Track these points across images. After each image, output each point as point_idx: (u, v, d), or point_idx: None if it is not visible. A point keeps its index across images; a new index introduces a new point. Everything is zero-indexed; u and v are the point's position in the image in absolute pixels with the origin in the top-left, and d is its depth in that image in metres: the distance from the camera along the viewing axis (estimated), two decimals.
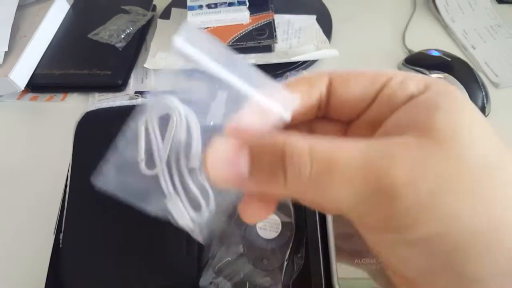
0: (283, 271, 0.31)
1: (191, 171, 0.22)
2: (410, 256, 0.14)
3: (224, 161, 0.15)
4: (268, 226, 0.32)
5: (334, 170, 0.14)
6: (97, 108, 0.35)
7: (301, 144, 0.14)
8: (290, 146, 0.14)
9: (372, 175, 0.13)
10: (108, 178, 0.19)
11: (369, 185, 0.14)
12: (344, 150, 0.14)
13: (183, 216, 0.20)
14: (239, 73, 0.17)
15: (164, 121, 0.25)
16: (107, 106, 0.35)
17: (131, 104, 0.35)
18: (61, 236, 0.34)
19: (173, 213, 0.20)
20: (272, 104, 0.16)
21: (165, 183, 0.21)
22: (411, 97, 0.16)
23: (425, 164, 0.13)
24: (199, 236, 0.22)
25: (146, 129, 0.21)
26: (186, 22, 0.21)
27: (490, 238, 0.13)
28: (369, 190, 0.14)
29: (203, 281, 0.31)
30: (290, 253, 0.32)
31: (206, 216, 0.20)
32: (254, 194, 0.17)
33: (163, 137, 0.23)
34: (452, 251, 0.14)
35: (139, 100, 0.35)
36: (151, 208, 0.20)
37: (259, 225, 0.32)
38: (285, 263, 0.31)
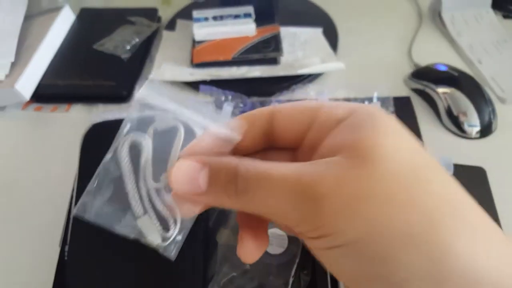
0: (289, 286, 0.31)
1: (159, 191, 0.24)
2: (343, 261, 0.16)
3: (186, 177, 0.17)
4: (275, 241, 0.32)
5: (272, 183, 0.16)
6: (103, 120, 0.35)
7: (250, 164, 0.17)
8: (241, 166, 0.17)
9: (302, 187, 0.16)
10: (87, 208, 0.22)
11: (299, 195, 0.16)
12: (281, 169, 0.17)
13: (153, 233, 0.22)
14: (195, 110, 0.19)
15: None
16: (114, 119, 0.35)
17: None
18: (66, 248, 0.34)
19: (143, 231, 0.22)
20: (223, 129, 0.19)
21: (135, 204, 0.23)
22: (339, 122, 0.18)
23: (347, 177, 0.15)
24: (169, 253, 0.23)
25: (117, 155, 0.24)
26: (149, 80, 0.23)
27: (407, 242, 0.15)
28: (299, 199, 0.16)
29: None
30: (296, 269, 0.31)
31: (175, 233, 0.23)
32: (245, 235, 0.20)
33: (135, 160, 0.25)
34: (375, 255, 0.15)
35: (146, 112, 0.35)
36: (124, 230, 0.22)
37: None
38: (291, 279, 0.31)
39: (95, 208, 0.22)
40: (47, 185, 0.44)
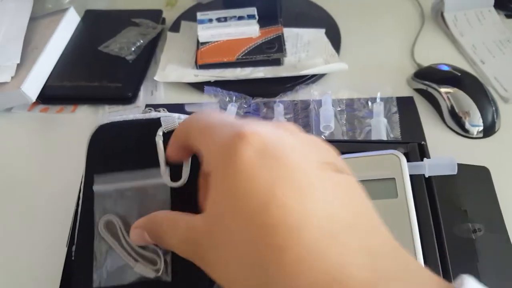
0: None
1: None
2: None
3: (138, 238, 0.26)
4: None
5: (170, 238, 0.22)
6: (110, 121, 0.36)
7: (163, 223, 0.24)
8: (162, 225, 0.24)
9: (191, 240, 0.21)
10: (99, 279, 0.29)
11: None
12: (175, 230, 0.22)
13: (149, 272, 0.28)
14: None
15: None
16: (121, 120, 0.35)
17: (144, 118, 0.35)
18: (73, 248, 0.34)
19: (142, 273, 0.28)
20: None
21: (127, 259, 0.29)
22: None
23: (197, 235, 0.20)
24: (166, 278, 0.28)
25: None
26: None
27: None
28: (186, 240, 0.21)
29: None
30: None
31: (162, 266, 0.28)
32: None
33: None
34: None
35: (152, 114, 0.35)
36: (130, 279, 0.28)
37: None
38: None
39: (104, 276, 0.29)
40: (54, 185, 0.45)
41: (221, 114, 0.23)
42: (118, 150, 0.35)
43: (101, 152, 0.35)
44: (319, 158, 0.19)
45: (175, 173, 0.33)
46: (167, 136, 0.34)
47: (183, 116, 0.35)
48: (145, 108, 0.43)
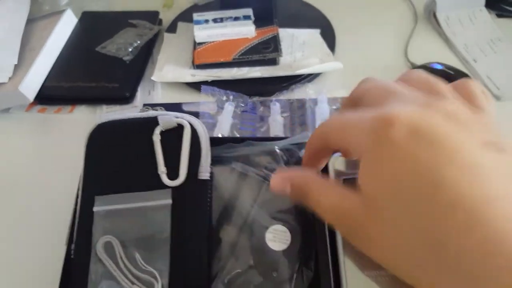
0: (292, 283, 0.31)
1: (132, 260, 0.31)
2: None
3: (279, 182, 0.26)
4: (278, 237, 0.32)
5: (323, 193, 0.23)
6: (108, 120, 0.36)
7: (314, 182, 0.25)
8: (308, 183, 0.25)
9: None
10: None
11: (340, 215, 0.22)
12: (333, 187, 0.23)
13: None
14: None
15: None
16: (119, 119, 0.36)
17: (142, 117, 0.35)
18: (72, 246, 0.34)
19: None
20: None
21: (124, 282, 0.30)
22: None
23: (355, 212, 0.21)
24: None
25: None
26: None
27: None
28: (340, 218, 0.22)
29: None
30: (299, 265, 0.32)
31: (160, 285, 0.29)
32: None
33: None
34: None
35: (150, 113, 0.36)
36: None
37: (268, 237, 0.32)
38: (295, 275, 0.31)
39: None
40: (52, 185, 0.45)
41: (351, 112, 0.23)
42: (116, 149, 0.35)
43: (99, 150, 0.36)
44: (481, 137, 0.19)
45: (173, 173, 0.33)
46: (164, 134, 0.34)
47: (180, 115, 0.36)
48: (143, 107, 0.43)
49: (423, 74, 0.24)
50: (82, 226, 0.34)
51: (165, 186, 0.32)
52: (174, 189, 0.32)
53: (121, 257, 0.31)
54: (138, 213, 0.32)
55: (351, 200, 0.21)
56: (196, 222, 0.32)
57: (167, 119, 0.34)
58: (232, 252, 0.33)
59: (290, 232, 0.32)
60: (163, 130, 0.34)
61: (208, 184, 0.33)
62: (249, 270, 0.32)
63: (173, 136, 0.34)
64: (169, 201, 0.32)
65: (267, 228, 0.32)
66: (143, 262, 0.31)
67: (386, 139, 0.19)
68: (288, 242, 0.32)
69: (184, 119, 0.34)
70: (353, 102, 0.25)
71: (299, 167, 0.28)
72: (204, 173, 0.33)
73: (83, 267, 0.32)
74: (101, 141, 0.36)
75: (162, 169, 0.33)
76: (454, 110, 0.19)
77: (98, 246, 0.32)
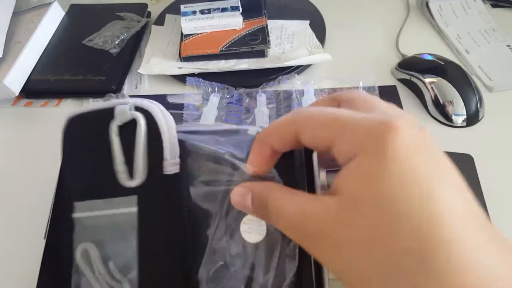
0: (273, 276, 0.30)
1: (107, 268, 0.30)
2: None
3: (239, 194, 0.25)
4: (253, 228, 0.29)
5: (279, 211, 0.22)
6: (77, 113, 0.34)
7: (274, 197, 0.23)
8: (270, 197, 0.23)
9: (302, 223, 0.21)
10: None
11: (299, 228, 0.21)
12: (289, 207, 0.22)
13: None
14: None
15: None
16: (85, 111, 0.33)
17: (109, 106, 0.33)
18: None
19: None
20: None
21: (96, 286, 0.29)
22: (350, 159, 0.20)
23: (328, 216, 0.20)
24: None
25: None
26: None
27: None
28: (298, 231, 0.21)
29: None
30: (280, 256, 0.30)
31: None
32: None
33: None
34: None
35: (112, 102, 0.33)
36: None
37: (243, 228, 0.29)
38: (275, 265, 0.29)
39: None
40: (38, 179, 0.44)
41: (339, 109, 0.22)
42: (85, 145, 0.33)
43: (71, 146, 0.34)
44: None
45: (132, 171, 0.30)
46: (123, 128, 0.31)
47: (139, 102, 0.32)
48: (106, 95, 0.40)
49: (366, 94, 0.24)
50: (62, 231, 0.33)
51: (130, 189, 0.30)
52: (140, 191, 0.29)
53: (97, 265, 0.30)
54: (111, 221, 0.30)
55: (319, 203, 0.20)
56: (165, 224, 0.29)
57: (122, 111, 0.31)
58: (215, 246, 0.31)
59: (266, 223, 0.29)
60: (121, 124, 0.31)
61: (178, 178, 0.29)
62: (233, 262, 0.30)
63: (131, 129, 0.30)
64: (133, 209, 0.29)
65: (242, 217, 0.29)
66: (115, 271, 0.30)
67: (391, 145, 0.18)
68: (264, 233, 0.29)
69: (142, 109, 0.30)
70: (335, 101, 0.24)
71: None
72: (170, 167, 0.29)
73: (66, 274, 0.32)
74: (72, 135, 0.34)
75: (119, 168, 0.30)
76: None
77: (77, 255, 0.30)
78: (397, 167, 0.18)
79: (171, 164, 0.29)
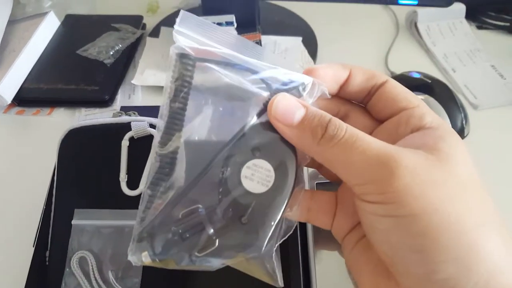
0: (268, 235, 0.23)
1: (104, 278, 0.31)
2: (391, 230, 0.19)
3: (284, 107, 0.21)
4: (257, 176, 0.23)
5: (360, 142, 0.20)
6: (80, 125, 0.35)
7: (342, 122, 0.21)
8: (335, 120, 0.21)
9: (385, 156, 0.19)
10: None
11: (380, 159, 0.19)
12: (371, 137, 0.20)
13: None
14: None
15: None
16: (90, 124, 0.35)
17: (114, 122, 0.35)
18: (47, 253, 0.34)
19: None
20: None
21: None
22: (425, 128, 0.22)
23: (425, 165, 0.19)
24: None
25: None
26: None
27: (452, 229, 0.18)
28: (379, 163, 0.19)
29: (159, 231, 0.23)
30: (281, 214, 0.23)
31: None
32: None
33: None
34: (422, 234, 0.18)
35: (123, 118, 0.35)
36: None
37: (244, 173, 0.23)
38: (273, 225, 0.23)
39: None
40: (27, 187, 0.44)
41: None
42: (89, 155, 0.35)
43: (72, 156, 0.35)
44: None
45: (134, 181, 0.33)
46: (135, 141, 0.34)
47: (154, 120, 0.35)
48: (119, 110, 0.43)
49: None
50: (58, 237, 0.33)
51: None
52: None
53: (93, 274, 0.31)
54: (114, 231, 0.32)
55: (410, 151, 0.20)
56: None
57: (141, 126, 0.34)
58: (195, 182, 0.23)
59: (275, 173, 0.23)
60: (136, 137, 0.34)
61: None
62: (212, 207, 0.23)
63: (143, 144, 0.33)
64: None
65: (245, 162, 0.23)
66: (115, 281, 0.30)
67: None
68: (270, 184, 0.23)
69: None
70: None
71: None
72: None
73: (57, 279, 0.31)
74: (73, 147, 0.35)
75: (122, 176, 0.32)
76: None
77: (73, 261, 0.31)
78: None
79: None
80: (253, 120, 0.23)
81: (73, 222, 0.33)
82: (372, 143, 0.20)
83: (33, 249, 0.35)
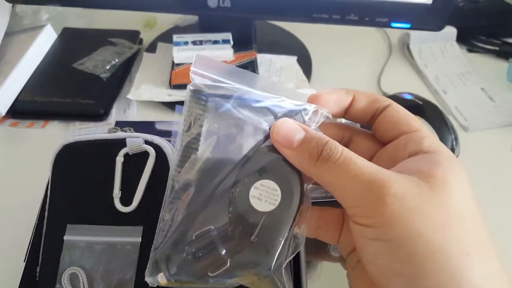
0: (277, 251, 0.24)
1: None
2: (377, 252, 0.20)
3: (285, 130, 0.22)
4: (264, 195, 0.25)
5: (353, 166, 0.20)
6: (75, 140, 0.35)
7: (339, 145, 0.22)
8: (331, 142, 0.22)
9: (376, 181, 0.20)
10: None
11: (371, 184, 0.20)
12: (365, 161, 0.21)
13: None
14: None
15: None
16: (85, 139, 0.35)
17: (109, 138, 0.35)
18: (38, 269, 0.33)
19: None
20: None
21: None
22: (422, 151, 0.22)
23: (415, 192, 0.20)
24: None
25: None
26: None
27: (437, 257, 0.19)
28: (369, 188, 0.20)
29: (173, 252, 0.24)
30: (289, 231, 0.24)
31: None
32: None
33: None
34: (406, 259, 0.19)
35: (118, 134, 0.35)
36: None
37: (252, 193, 0.24)
38: (281, 242, 0.24)
39: None
40: (20, 201, 0.44)
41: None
42: (81, 170, 0.35)
43: (66, 171, 0.35)
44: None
45: (127, 198, 0.33)
46: (130, 157, 0.34)
47: (150, 138, 0.35)
48: (114, 125, 0.43)
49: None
50: (50, 252, 0.33)
51: (134, 218, 0.32)
52: (146, 222, 0.31)
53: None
54: (107, 247, 0.32)
55: (405, 178, 0.20)
56: None
57: (136, 143, 0.34)
58: (205, 204, 0.25)
59: (281, 192, 0.25)
60: (131, 153, 0.34)
61: None
62: (223, 228, 0.25)
63: (138, 160, 0.34)
64: (138, 239, 0.31)
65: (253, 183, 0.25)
66: None
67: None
68: (277, 203, 0.25)
69: (154, 144, 0.34)
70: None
71: None
72: None
73: None
74: (67, 162, 0.35)
75: (116, 192, 0.32)
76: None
77: (64, 278, 0.31)
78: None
79: None
80: (259, 144, 0.24)
81: (65, 237, 0.32)
82: (365, 167, 0.20)
83: (23, 264, 0.35)
